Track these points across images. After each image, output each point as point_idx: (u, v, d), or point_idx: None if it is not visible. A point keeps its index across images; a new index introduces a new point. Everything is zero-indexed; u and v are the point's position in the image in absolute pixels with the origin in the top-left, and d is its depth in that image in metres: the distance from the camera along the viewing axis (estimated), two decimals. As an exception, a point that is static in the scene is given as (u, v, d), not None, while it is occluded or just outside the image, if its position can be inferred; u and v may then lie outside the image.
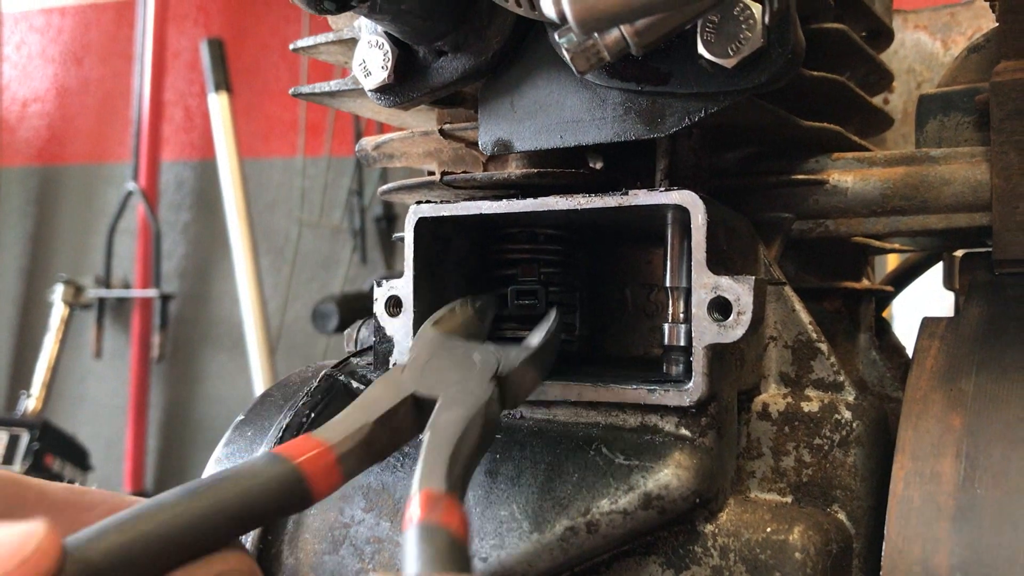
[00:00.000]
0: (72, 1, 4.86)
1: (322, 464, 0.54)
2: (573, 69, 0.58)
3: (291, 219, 4.19)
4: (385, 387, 0.62)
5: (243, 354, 3.92)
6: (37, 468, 3.65)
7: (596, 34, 0.56)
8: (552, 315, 0.71)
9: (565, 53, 0.57)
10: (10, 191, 4.77)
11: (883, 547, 0.60)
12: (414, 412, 0.62)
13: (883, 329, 0.97)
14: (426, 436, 0.58)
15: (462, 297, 0.75)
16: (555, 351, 0.70)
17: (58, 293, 4.28)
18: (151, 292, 4.21)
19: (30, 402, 4.06)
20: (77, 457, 3.90)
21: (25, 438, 3.69)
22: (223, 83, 4.00)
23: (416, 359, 0.66)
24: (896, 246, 1.00)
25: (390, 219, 3.99)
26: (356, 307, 3.29)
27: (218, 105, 3.98)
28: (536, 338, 0.68)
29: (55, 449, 3.76)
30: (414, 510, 0.51)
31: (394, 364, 0.75)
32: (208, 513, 0.50)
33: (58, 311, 4.26)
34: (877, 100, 1.06)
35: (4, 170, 4.64)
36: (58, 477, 3.73)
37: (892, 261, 1.24)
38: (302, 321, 3.99)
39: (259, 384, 3.80)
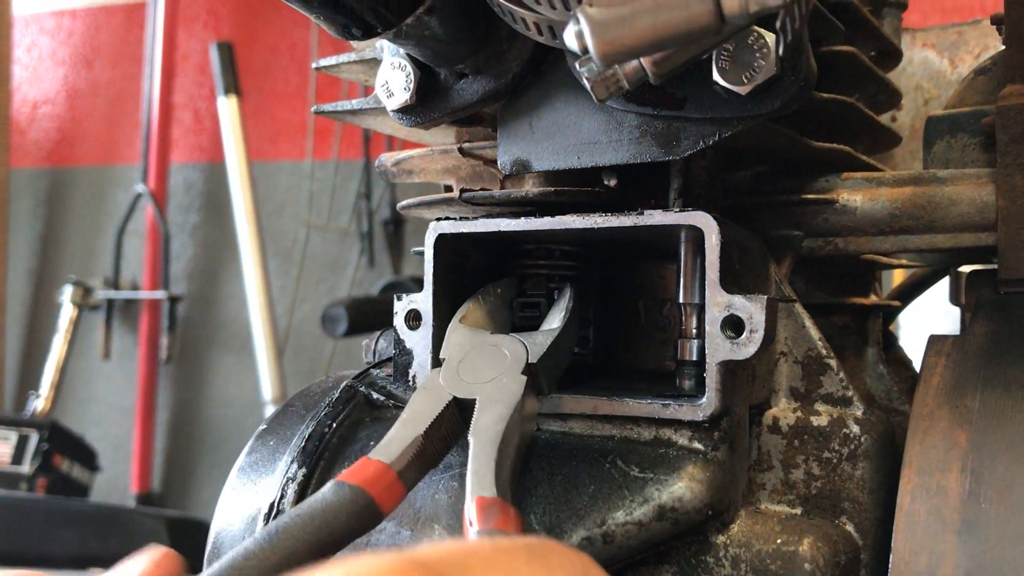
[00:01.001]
0: (83, 4, 4.89)
1: (385, 483, 0.58)
2: (593, 97, 0.60)
3: (299, 222, 4.21)
4: (427, 397, 0.66)
5: (251, 356, 3.95)
6: (46, 468, 3.68)
7: (616, 64, 0.58)
8: (567, 293, 0.76)
9: (585, 82, 0.59)
10: (20, 193, 4.80)
11: (890, 559, 0.61)
12: (457, 415, 0.66)
13: (890, 343, 0.99)
14: (471, 442, 0.62)
15: (483, 287, 0.78)
16: (576, 328, 0.75)
17: (67, 294, 4.31)
18: (159, 294, 4.23)
19: (39, 403, 4.09)
20: (85, 458, 3.93)
21: (34, 438, 3.72)
22: (232, 86, 4.03)
23: (450, 361, 0.69)
24: (903, 261, 1.02)
25: (397, 223, 4.01)
26: (365, 311, 3.31)
27: (227, 108, 4.00)
28: (556, 319, 0.73)
29: (63, 450, 3.79)
30: (470, 517, 0.56)
31: (413, 378, 0.78)
32: (293, 553, 0.54)
33: (67, 312, 4.29)
34: (885, 118, 1.08)
35: (14, 172, 4.67)
36: (66, 477, 3.76)
37: (899, 275, 1.26)
38: (310, 323, 4.01)
39: (267, 386, 3.82)
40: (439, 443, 0.65)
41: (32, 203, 4.89)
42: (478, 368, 0.68)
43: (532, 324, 0.79)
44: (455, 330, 0.73)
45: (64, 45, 4.93)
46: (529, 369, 0.68)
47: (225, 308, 4.39)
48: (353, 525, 0.57)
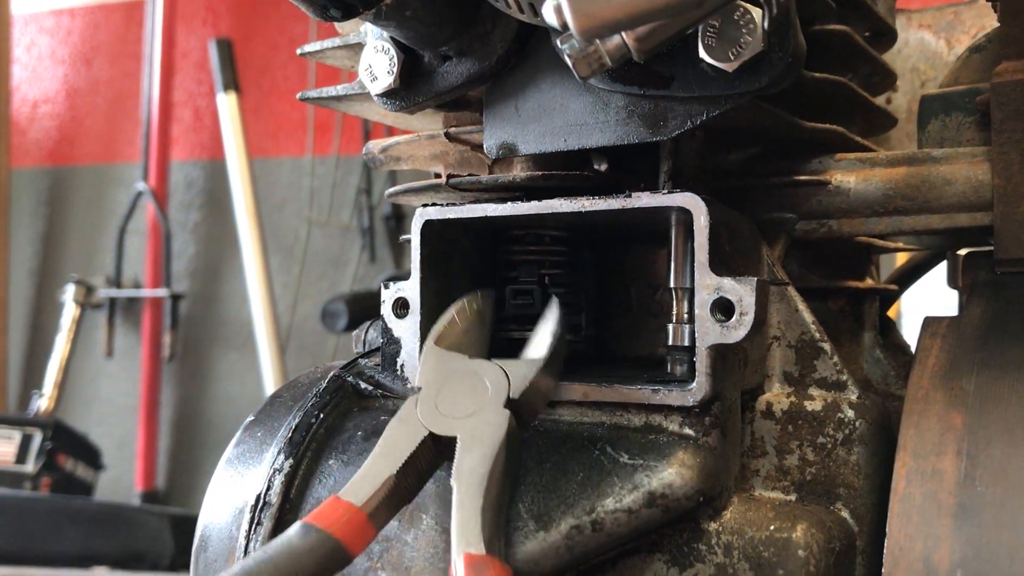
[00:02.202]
0: (81, 2, 4.88)
1: (354, 526, 0.57)
2: (576, 74, 0.58)
3: (300, 218, 4.21)
4: (402, 429, 0.63)
5: (253, 353, 3.94)
6: (50, 468, 3.68)
7: (598, 40, 0.57)
8: (553, 310, 0.70)
9: (568, 59, 0.58)
10: (21, 192, 4.79)
11: (885, 544, 0.60)
12: (433, 451, 0.63)
13: (887, 328, 0.97)
14: (454, 488, 0.59)
15: (460, 299, 0.74)
16: (564, 349, 0.69)
17: (69, 293, 4.31)
18: (161, 292, 4.23)
19: (42, 402, 4.09)
20: (89, 456, 3.93)
21: (38, 437, 3.72)
22: (232, 83, 4.02)
23: (427, 389, 0.66)
24: (900, 245, 1.00)
25: (399, 218, 4.00)
26: (365, 306, 3.30)
27: (227, 105, 4.00)
28: (542, 345, 0.68)
29: (67, 448, 3.79)
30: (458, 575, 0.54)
31: (402, 367, 0.76)
32: None
33: (69, 311, 4.29)
34: (881, 100, 1.07)
35: (15, 171, 4.67)
36: (70, 476, 3.76)
37: (900, 259, 1.25)
38: (312, 320, 4.00)
39: (269, 383, 3.81)
40: (413, 479, 0.63)
41: (33, 203, 4.89)
42: (457, 400, 0.65)
43: (526, 313, 0.78)
44: (431, 354, 0.69)
45: (63, 44, 4.92)
46: (511, 404, 0.65)
47: (227, 305, 4.39)
48: (319, 568, 0.56)
